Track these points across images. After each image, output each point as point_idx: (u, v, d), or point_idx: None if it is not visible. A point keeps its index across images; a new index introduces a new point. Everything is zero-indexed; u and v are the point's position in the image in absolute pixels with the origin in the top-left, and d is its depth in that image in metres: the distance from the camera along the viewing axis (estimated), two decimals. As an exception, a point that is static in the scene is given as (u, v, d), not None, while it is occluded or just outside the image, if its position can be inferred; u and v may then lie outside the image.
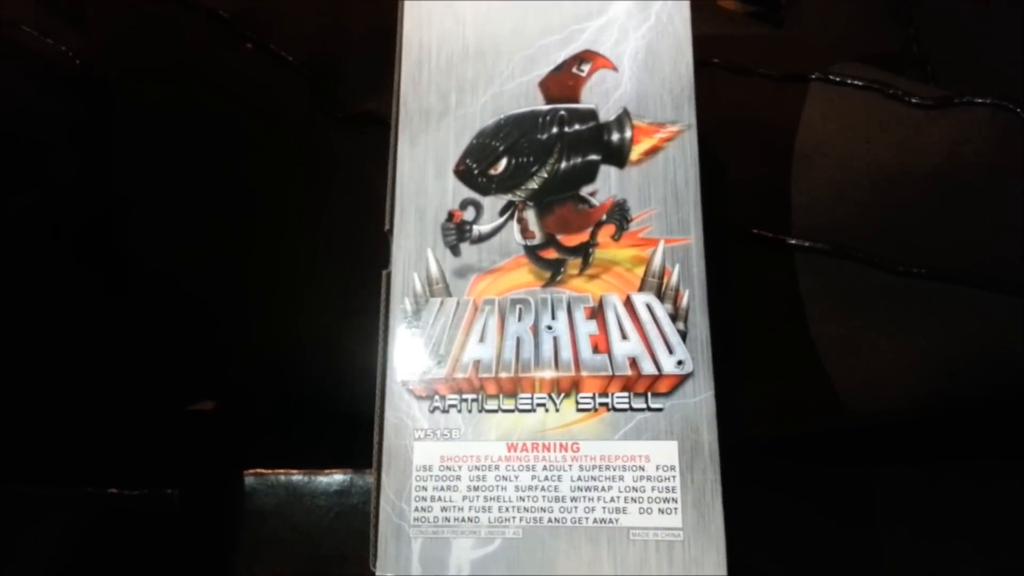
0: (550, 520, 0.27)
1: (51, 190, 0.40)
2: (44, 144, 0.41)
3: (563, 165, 0.30)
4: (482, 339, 0.28)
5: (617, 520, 0.26)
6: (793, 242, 0.33)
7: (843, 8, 0.38)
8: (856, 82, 0.36)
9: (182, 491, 0.34)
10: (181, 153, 0.41)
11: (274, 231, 0.39)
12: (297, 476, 0.34)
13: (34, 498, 0.35)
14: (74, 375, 0.40)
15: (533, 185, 0.30)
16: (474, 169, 0.30)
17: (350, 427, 0.31)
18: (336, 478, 0.34)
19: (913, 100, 0.35)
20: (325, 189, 0.40)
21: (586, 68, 0.31)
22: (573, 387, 0.28)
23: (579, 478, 0.27)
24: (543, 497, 0.27)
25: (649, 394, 0.27)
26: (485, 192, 0.30)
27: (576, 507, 0.27)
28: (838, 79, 0.36)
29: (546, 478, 0.27)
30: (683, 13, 0.31)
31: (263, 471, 0.34)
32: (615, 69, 0.31)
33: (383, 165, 0.33)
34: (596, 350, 0.28)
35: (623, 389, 0.27)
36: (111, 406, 0.38)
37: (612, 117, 0.30)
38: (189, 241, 0.40)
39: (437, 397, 0.28)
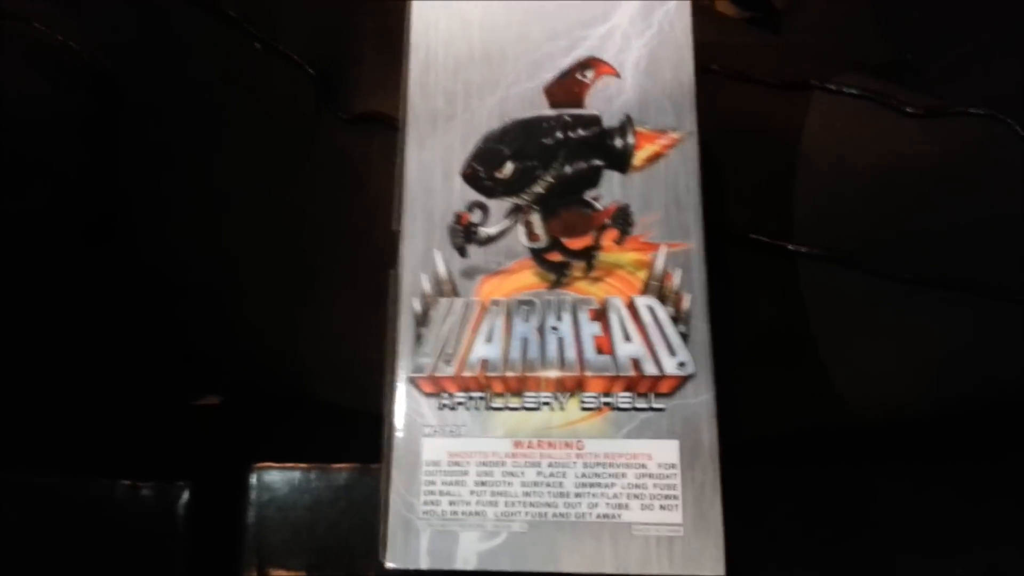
0: (555, 515, 0.28)
1: (60, 184, 0.41)
2: (53, 138, 0.42)
3: (567, 170, 0.31)
4: (489, 339, 0.29)
5: (619, 516, 0.27)
6: (791, 248, 0.34)
7: (839, 16, 0.39)
8: (852, 91, 0.37)
9: (192, 483, 0.35)
10: (187, 150, 0.42)
11: (281, 228, 0.40)
12: (305, 470, 0.35)
13: (45, 488, 0.36)
14: (82, 368, 0.40)
15: (538, 189, 0.31)
16: (481, 173, 0.31)
17: (358, 424, 0.32)
18: (344, 472, 0.34)
19: (908, 109, 0.36)
20: (331, 188, 0.40)
21: (590, 75, 0.32)
22: (577, 386, 0.29)
23: (583, 475, 0.28)
24: (548, 493, 0.28)
25: (651, 394, 0.28)
26: (491, 195, 0.31)
27: (580, 503, 0.28)
28: (835, 88, 0.37)
29: (551, 474, 0.28)
30: (684, 21, 0.32)
31: (271, 464, 0.35)
32: (618, 76, 0.31)
33: (389, 165, 0.33)
34: (600, 351, 0.29)
35: (626, 389, 0.28)
36: (119, 400, 0.39)
37: (615, 123, 0.31)
38: (196, 237, 0.41)
39: (445, 395, 0.29)
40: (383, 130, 0.41)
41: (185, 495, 0.35)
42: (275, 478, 0.35)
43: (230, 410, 0.38)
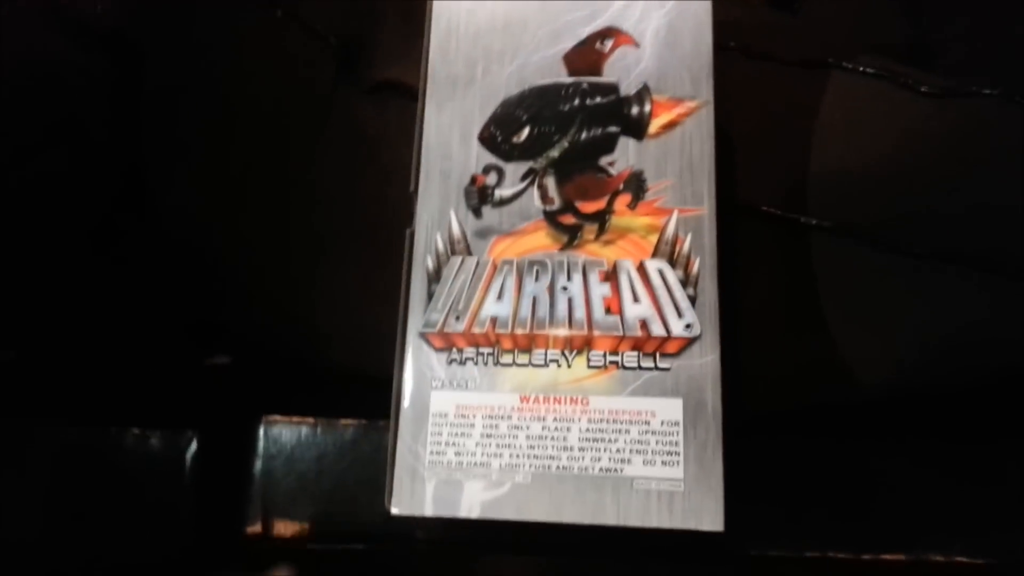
0: (558, 468, 0.28)
1: (82, 146, 0.42)
2: (76, 102, 0.43)
3: (583, 136, 0.31)
4: (500, 297, 0.30)
5: (622, 470, 0.28)
6: (803, 220, 0.34)
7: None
8: (869, 70, 0.37)
9: (201, 433, 0.36)
10: (207, 115, 0.42)
11: (297, 192, 0.41)
12: (312, 424, 0.35)
13: (62, 436, 0.37)
14: (101, 325, 0.41)
15: (554, 153, 0.31)
16: (498, 136, 0.32)
17: (367, 382, 0.32)
18: (351, 427, 0.35)
19: (923, 89, 0.36)
20: (348, 155, 0.41)
21: (608, 44, 0.32)
22: (585, 345, 0.29)
23: (587, 430, 0.28)
24: (552, 446, 0.28)
25: (657, 354, 0.29)
26: (508, 158, 0.31)
27: (583, 456, 0.28)
28: (851, 67, 0.37)
29: (556, 429, 0.29)
30: (704, -7, 0.32)
31: (279, 417, 0.36)
32: (636, 46, 0.32)
33: (406, 132, 0.34)
34: (608, 311, 0.29)
35: (633, 349, 0.29)
36: (134, 355, 0.40)
37: (632, 91, 0.31)
38: (214, 200, 0.42)
39: (455, 350, 0.30)
40: (401, 99, 0.41)
41: (193, 444, 0.35)
42: (283, 430, 0.35)
43: (241, 366, 0.38)
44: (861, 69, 0.37)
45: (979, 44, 0.38)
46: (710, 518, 0.27)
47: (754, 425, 0.30)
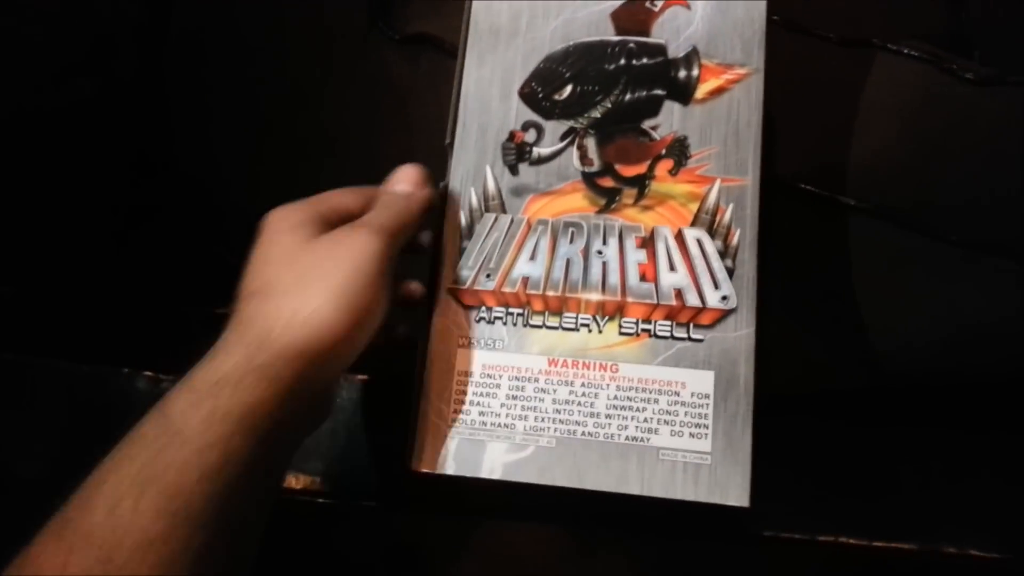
0: (583, 433, 0.28)
1: (113, 83, 0.41)
2: (103, 39, 0.41)
3: (627, 97, 0.30)
4: (533, 257, 0.29)
5: (648, 440, 0.27)
6: (841, 200, 0.34)
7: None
8: (913, 53, 0.36)
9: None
10: (236, 60, 0.41)
11: (325, 141, 0.40)
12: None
13: (83, 375, 0.36)
14: (113, 266, 0.40)
15: (596, 114, 0.30)
16: (539, 93, 0.31)
17: (394, 335, 0.32)
18: (365, 384, 0.34)
19: (967, 76, 0.35)
20: (377, 105, 0.40)
21: (659, 3, 0.31)
22: (618, 311, 0.29)
23: (615, 397, 0.28)
24: (579, 412, 0.28)
25: (691, 325, 0.28)
26: (548, 116, 0.31)
27: (610, 423, 0.28)
28: (895, 48, 0.37)
29: (583, 394, 0.28)
30: (760, -41, 0.31)
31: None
32: (688, 7, 0.31)
33: (436, 86, 0.33)
34: (643, 278, 0.29)
35: (666, 318, 0.28)
36: (152, 300, 0.39)
37: (681, 54, 0.30)
38: (239, 149, 0.41)
39: (484, 308, 0.29)
40: (432, 52, 0.40)
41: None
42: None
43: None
44: (905, 52, 0.36)
45: (1020, 34, 0.37)
46: (736, 493, 0.27)
47: (783, 410, 0.29)
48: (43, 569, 0.17)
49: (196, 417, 0.20)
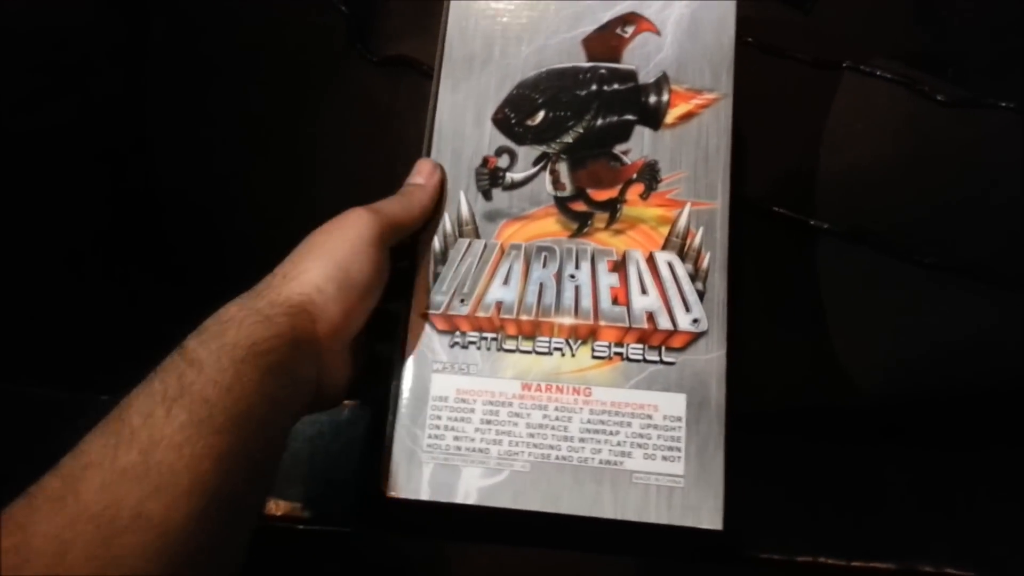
0: (557, 457, 0.28)
1: (87, 103, 0.41)
2: (83, 59, 0.42)
3: (599, 122, 0.31)
4: (506, 282, 0.29)
5: (622, 463, 0.28)
6: (813, 223, 0.34)
7: (872, 2, 0.39)
8: (885, 75, 0.37)
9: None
10: (217, 77, 0.42)
11: (303, 161, 0.40)
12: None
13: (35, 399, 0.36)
14: (95, 286, 0.40)
15: (568, 139, 0.31)
16: (512, 119, 0.31)
17: (368, 358, 0.32)
18: (346, 409, 0.34)
19: (939, 98, 0.36)
20: (355, 126, 0.40)
21: (630, 30, 0.32)
22: (590, 335, 0.29)
23: (588, 421, 0.28)
24: (552, 435, 0.28)
25: (663, 347, 0.28)
26: (521, 142, 0.31)
27: (583, 447, 0.28)
28: (868, 70, 0.37)
29: (557, 418, 0.28)
30: (729, -14, 0.32)
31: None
32: (658, 33, 0.31)
33: (413, 109, 0.33)
34: (616, 302, 0.29)
35: (638, 341, 0.29)
36: (132, 319, 0.39)
37: (651, 80, 0.31)
38: (217, 167, 0.41)
39: (458, 333, 0.29)
40: (410, 74, 0.41)
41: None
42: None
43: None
44: (878, 74, 0.36)
45: (994, 56, 0.38)
46: (709, 516, 0.27)
47: (756, 430, 0.29)
48: (93, 459, 0.20)
49: (207, 351, 0.23)
